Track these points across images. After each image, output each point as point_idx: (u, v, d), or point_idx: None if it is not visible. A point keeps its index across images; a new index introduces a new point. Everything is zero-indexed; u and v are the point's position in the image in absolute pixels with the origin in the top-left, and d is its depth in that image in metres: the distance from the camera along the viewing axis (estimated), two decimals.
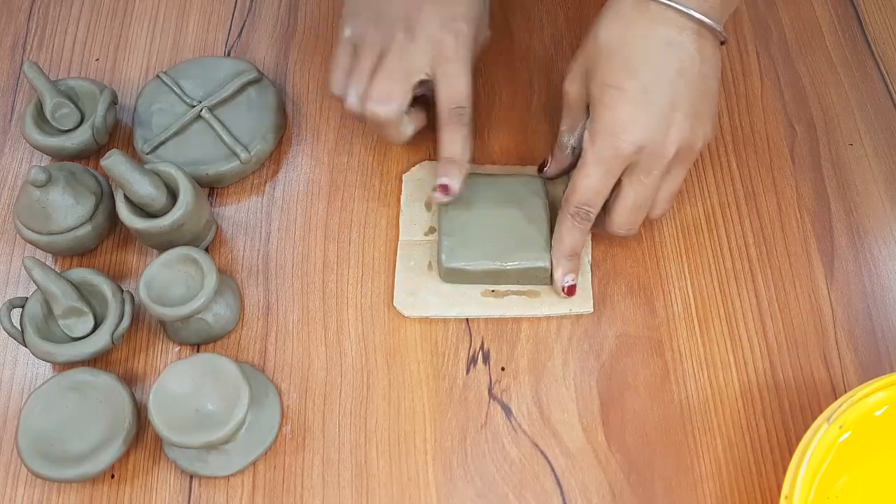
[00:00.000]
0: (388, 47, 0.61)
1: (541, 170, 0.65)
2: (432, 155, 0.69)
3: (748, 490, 0.56)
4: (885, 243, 0.64)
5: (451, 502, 0.56)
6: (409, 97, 0.61)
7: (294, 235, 0.66)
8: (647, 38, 0.56)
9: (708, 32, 0.57)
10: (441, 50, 0.60)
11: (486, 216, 0.63)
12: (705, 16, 0.56)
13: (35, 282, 0.59)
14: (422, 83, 0.61)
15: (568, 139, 0.63)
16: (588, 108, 0.59)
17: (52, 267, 0.62)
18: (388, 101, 0.61)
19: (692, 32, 0.56)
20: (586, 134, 0.58)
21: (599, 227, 0.61)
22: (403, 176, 0.68)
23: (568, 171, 0.63)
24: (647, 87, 0.56)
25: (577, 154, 0.60)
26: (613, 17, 0.58)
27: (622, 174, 0.58)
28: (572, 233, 0.60)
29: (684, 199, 0.66)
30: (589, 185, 0.58)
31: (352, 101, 0.62)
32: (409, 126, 0.63)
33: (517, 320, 0.62)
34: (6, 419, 0.60)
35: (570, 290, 0.61)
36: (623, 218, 0.60)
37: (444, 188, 0.62)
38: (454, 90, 0.61)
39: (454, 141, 0.61)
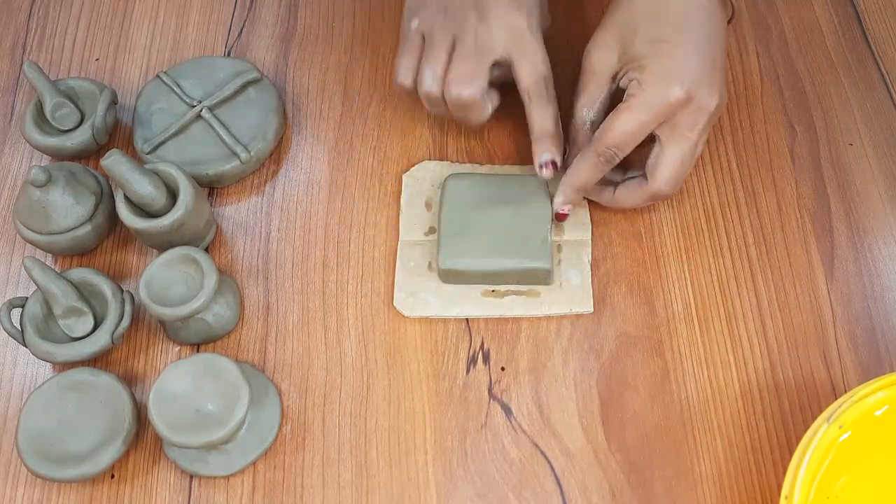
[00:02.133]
0: (462, 31, 0.61)
1: (556, 167, 0.62)
2: (433, 155, 0.69)
3: (748, 490, 0.56)
4: (885, 243, 0.64)
5: (451, 502, 0.56)
6: (488, 76, 0.62)
7: (294, 235, 0.66)
8: (686, 2, 0.59)
9: (725, 6, 0.60)
10: (514, 28, 0.61)
11: (486, 216, 0.63)
12: None
13: (35, 282, 0.59)
14: (496, 64, 0.62)
15: (587, 113, 0.62)
16: (613, 78, 0.61)
17: (52, 267, 0.62)
18: (470, 81, 0.61)
19: (719, 1, 0.60)
20: (633, 83, 0.58)
21: (632, 196, 0.62)
22: (403, 176, 0.68)
23: None
24: (695, 41, 0.58)
25: (593, 130, 0.61)
26: None
27: (661, 132, 0.59)
28: (591, 171, 0.61)
29: (684, 198, 0.66)
30: (627, 129, 0.58)
31: (429, 85, 0.62)
32: (489, 105, 0.63)
33: (517, 320, 0.62)
34: (6, 419, 0.60)
35: (562, 217, 0.63)
36: (672, 171, 0.60)
37: (551, 164, 0.62)
38: (534, 64, 0.61)
39: (544, 116, 0.62)
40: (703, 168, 0.68)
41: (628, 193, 0.62)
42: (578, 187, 0.62)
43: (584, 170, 0.61)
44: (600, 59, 0.61)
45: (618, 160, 0.60)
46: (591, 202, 0.65)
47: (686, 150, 0.60)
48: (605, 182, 0.63)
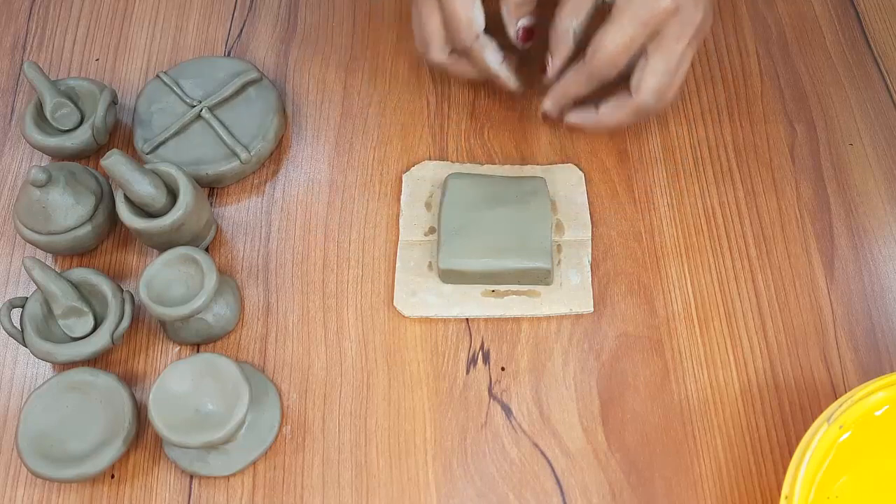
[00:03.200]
0: None
1: (542, 71, 0.63)
2: (432, 155, 0.69)
3: (748, 490, 0.56)
4: (885, 243, 0.64)
5: (451, 502, 0.56)
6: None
7: (294, 235, 0.66)
8: None
9: None
10: None
11: (486, 216, 0.63)
12: None
13: (35, 282, 0.59)
14: None
15: (570, 22, 0.60)
16: None
17: (52, 267, 0.62)
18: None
19: None
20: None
21: (617, 112, 0.62)
22: (403, 176, 0.68)
23: (569, 62, 0.62)
24: None
25: (581, 42, 0.60)
26: None
27: (647, 45, 0.59)
28: (582, 85, 0.61)
29: (684, 198, 0.66)
30: (618, 42, 0.58)
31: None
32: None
33: (517, 320, 0.62)
34: (6, 419, 0.60)
35: (545, 118, 0.65)
36: (658, 82, 0.60)
37: (525, 32, 0.63)
38: None
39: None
40: (703, 168, 0.68)
41: (612, 110, 0.62)
42: (567, 97, 0.63)
43: (574, 83, 0.61)
44: None
45: (611, 76, 0.60)
46: (591, 202, 0.66)
47: (671, 61, 0.59)
48: (588, 103, 0.63)
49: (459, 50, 0.63)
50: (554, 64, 0.62)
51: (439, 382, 0.60)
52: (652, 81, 0.60)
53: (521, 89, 0.65)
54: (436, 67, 0.65)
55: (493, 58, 0.63)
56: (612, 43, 0.58)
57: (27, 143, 0.69)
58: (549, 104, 0.64)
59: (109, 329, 0.60)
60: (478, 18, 0.61)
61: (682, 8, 0.58)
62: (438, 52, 0.63)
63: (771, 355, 0.60)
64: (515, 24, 0.63)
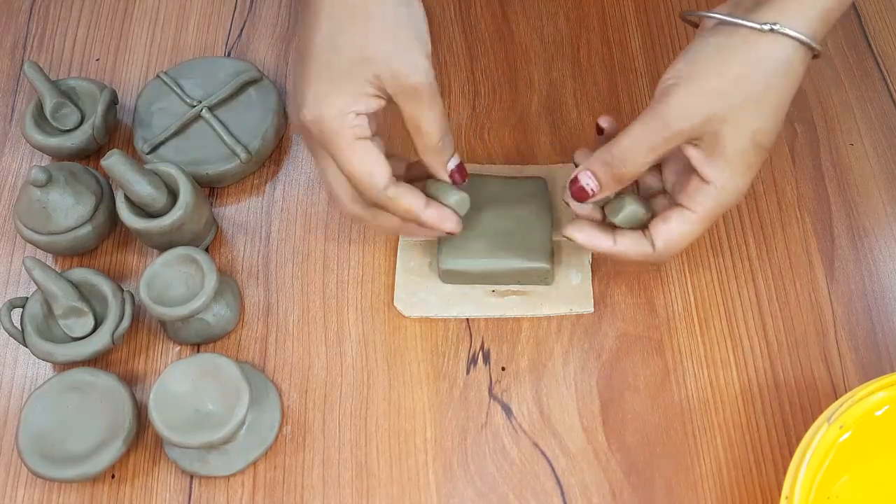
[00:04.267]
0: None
1: (579, 197, 0.56)
2: None
3: (748, 490, 0.56)
4: (885, 243, 0.64)
5: (451, 502, 0.56)
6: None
7: (294, 235, 0.66)
8: (795, 86, 0.52)
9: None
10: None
11: (486, 216, 0.62)
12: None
13: (35, 282, 0.59)
14: None
15: (632, 168, 0.54)
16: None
17: (53, 267, 0.62)
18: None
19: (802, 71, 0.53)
20: (709, 196, 0.53)
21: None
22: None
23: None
24: (770, 149, 0.54)
25: (629, 181, 0.55)
26: (772, 60, 0.51)
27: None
28: (636, 259, 0.57)
29: None
30: (686, 241, 0.55)
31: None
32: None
33: (517, 320, 0.62)
34: (6, 419, 0.60)
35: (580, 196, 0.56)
36: (682, 247, 0.57)
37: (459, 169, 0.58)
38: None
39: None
40: None
41: (629, 247, 0.57)
42: (616, 258, 0.58)
43: (632, 256, 0.56)
44: (681, 122, 0.51)
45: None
46: None
47: (699, 231, 0.56)
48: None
49: (373, 205, 0.56)
50: (599, 196, 0.56)
51: (439, 382, 0.60)
52: (681, 246, 0.56)
53: (460, 229, 0.58)
54: (358, 222, 0.60)
55: (414, 204, 0.56)
56: (686, 244, 0.55)
57: (27, 143, 0.69)
58: (582, 238, 0.57)
59: (109, 329, 0.60)
60: (378, 170, 0.54)
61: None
62: (352, 209, 0.57)
63: (771, 355, 0.60)
64: (445, 169, 0.57)
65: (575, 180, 0.55)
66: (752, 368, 0.60)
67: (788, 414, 0.59)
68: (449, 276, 0.62)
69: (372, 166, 0.54)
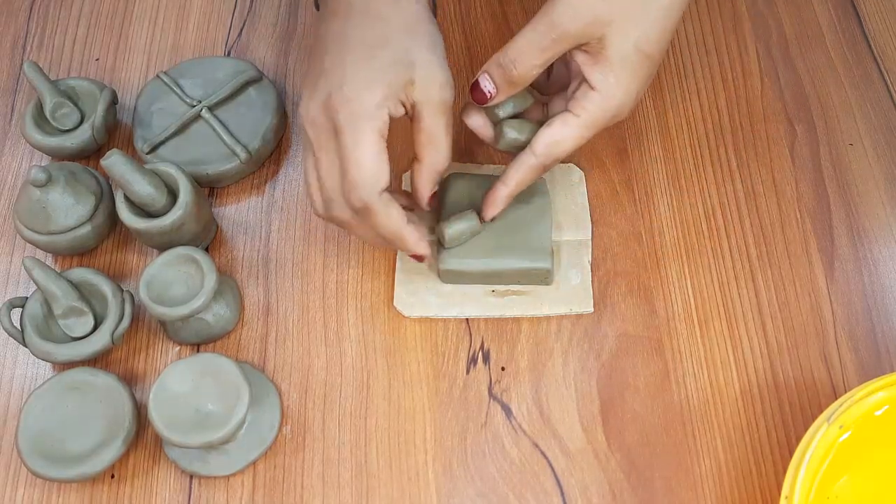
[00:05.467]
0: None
1: (478, 100, 0.57)
2: None
3: (748, 490, 0.56)
4: (885, 243, 0.64)
5: (451, 502, 0.56)
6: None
7: (294, 235, 0.66)
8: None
9: None
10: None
11: None
12: None
13: (35, 282, 0.59)
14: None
15: (523, 71, 0.55)
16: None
17: (52, 267, 0.62)
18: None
19: None
20: (593, 101, 0.55)
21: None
22: (403, 176, 0.68)
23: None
24: (664, 54, 0.56)
25: (522, 87, 0.56)
26: None
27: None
28: (530, 177, 0.58)
29: (684, 198, 0.66)
30: (571, 145, 0.56)
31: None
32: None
33: (517, 320, 0.62)
34: (6, 419, 0.60)
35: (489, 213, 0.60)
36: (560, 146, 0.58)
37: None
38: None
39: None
40: (703, 168, 0.68)
41: (516, 173, 0.58)
42: (515, 192, 0.59)
43: (524, 175, 0.58)
44: (569, 25, 0.53)
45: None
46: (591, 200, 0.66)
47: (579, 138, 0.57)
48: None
49: (358, 209, 0.54)
50: (497, 98, 0.57)
51: (439, 382, 0.60)
52: (561, 150, 0.57)
53: (430, 259, 0.59)
54: (340, 226, 0.57)
55: (397, 217, 0.55)
56: (570, 149, 0.56)
57: (27, 142, 0.69)
58: (495, 210, 0.59)
59: (109, 329, 0.60)
60: (382, 172, 0.54)
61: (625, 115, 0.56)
62: (340, 209, 0.55)
63: (771, 355, 0.60)
64: (429, 191, 0.58)
65: (475, 84, 0.57)
66: (751, 369, 0.60)
67: (788, 414, 0.59)
68: (449, 276, 0.62)
69: (381, 165, 0.54)
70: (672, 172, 0.67)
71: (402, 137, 0.70)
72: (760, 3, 0.75)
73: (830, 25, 0.74)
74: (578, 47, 0.54)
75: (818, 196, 0.66)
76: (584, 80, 0.55)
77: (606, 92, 0.55)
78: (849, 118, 0.70)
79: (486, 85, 0.56)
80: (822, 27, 0.74)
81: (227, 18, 0.77)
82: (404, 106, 0.55)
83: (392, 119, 0.54)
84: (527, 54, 0.54)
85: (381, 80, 0.53)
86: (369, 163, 0.53)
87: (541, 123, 0.58)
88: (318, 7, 0.61)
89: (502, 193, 0.59)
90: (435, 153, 0.56)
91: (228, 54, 0.75)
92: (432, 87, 0.54)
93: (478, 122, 0.59)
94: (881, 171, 0.67)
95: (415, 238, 0.57)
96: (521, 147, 0.58)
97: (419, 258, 0.59)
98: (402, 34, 0.55)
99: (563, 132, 0.56)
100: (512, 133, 0.58)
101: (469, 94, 0.57)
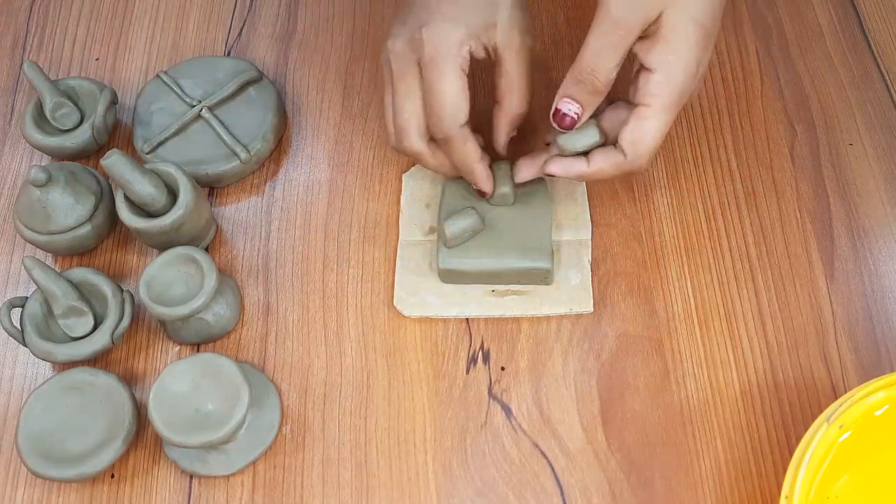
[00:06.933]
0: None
1: (563, 125, 0.57)
2: None
3: (748, 490, 0.56)
4: (885, 243, 0.64)
5: (451, 502, 0.56)
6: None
7: (294, 235, 0.66)
8: None
9: None
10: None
11: (486, 216, 0.62)
12: None
13: (35, 281, 0.59)
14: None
15: (610, 64, 0.54)
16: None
17: (52, 267, 0.62)
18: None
19: None
20: (657, 84, 0.54)
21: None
22: (403, 176, 0.68)
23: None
24: (718, 26, 0.55)
25: (605, 92, 0.56)
26: None
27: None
28: (611, 175, 0.58)
29: (684, 198, 0.66)
30: (665, 134, 0.55)
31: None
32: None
33: (517, 320, 0.62)
34: (6, 419, 0.60)
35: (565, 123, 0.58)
36: (655, 148, 0.57)
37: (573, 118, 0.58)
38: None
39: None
40: (703, 168, 0.68)
41: (603, 164, 0.57)
42: (584, 177, 0.58)
43: (608, 174, 0.57)
44: (627, 15, 0.53)
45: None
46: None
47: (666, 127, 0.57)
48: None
49: (439, 139, 0.58)
50: (584, 115, 0.57)
51: (439, 382, 0.60)
52: (650, 144, 0.56)
53: (490, 195, 0.62)
54: (411, 156, 0.61)
55: (473, 152, 0.59)
56: (656, 139, 0.55)
57: (27, 142, 0.69)
58: (558, 169, 0.59)
59: (109, 329, 0.60)
60: (463, 106, 0.57)
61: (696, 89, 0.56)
62: (416, 141, 0.59)
63: (771, 355, 0.60)
64: (507, 136, 0.61)
65: (556, 112, 0.57)
66: (751, 369, 0.60)
67: (788, 414, 0.59)
68: (449, 276, 0.62)
69: (463, 100, 0.57)
70: (672, 172, 0.67)
71: None
72: (760, 3, 0.75)
73: (830, 25, 0.74)
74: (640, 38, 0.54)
75: (818, 196, 0.66)
76: (642, 67, 0.55)
77: (669, 69, 0.54)
78: (849, 118, 0.70)
79: (570, 107, 0.56)
80: (822, 27, 0.74)
81: (227, 18, 0.77)
82: (486, 50, 0.57)
83: (474, 60, 0.56)
84: (603, 59, 0.54)
85: (465, 19, 0.56)
86: (452, 97, 0.56)
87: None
88: None
89: (580, 170, 0.58)
90: (516, 98, 0.59)
91: (228, 54, 0.75)
92: (514, 31, 0.56)
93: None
94: (881, 171, 0.67)
95: (486, 174, 0.60)
96: (596, 146, 0.58)
97: (483, 194, 0.62)
98: None
99: (642, 125, 0.55)
100: (589, 132, 0.57)
101: (554, 123, 0.57)
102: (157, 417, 0.54)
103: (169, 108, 0.69)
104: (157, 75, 0.71)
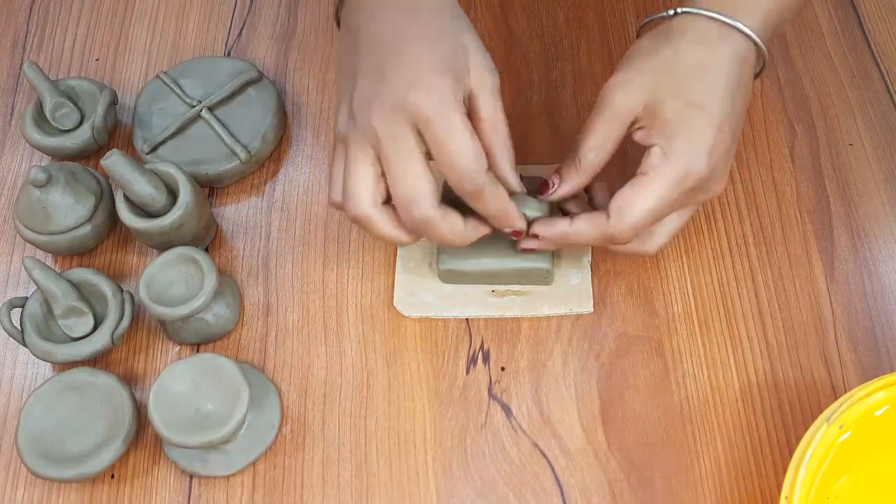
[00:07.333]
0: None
1: (541, 192, 0.58)
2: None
3: (748, 490, 0.56)
4: (885, 243, 0.64)
5: (451, 502, 0.56)
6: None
7: (294, 235, 0.66)
8: (730, 66, 0.54)
9: (757, 57, 0.56)
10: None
11: None
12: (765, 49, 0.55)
13: (35, 282, 0.59)
14: None
15: (594, 157, 0.55)
16: (631, 125, 0.55)
17: (52, 267, 0.62)
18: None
19: (751, 65, 0.55)
20: (656, 151, 0.53)
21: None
22: None
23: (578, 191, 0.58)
24: (729, 110, 0.54)
25: (593, 174, 0.56)
26: (694, 37, 0.54)
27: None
28: (591, 242, 0.56)
29: None
30: (657, 209, 0.54)
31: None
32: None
33: (517, 320, 0.62)
34: (6, 419, 0.60)
35: (525, 249, 0.59)
36: (663, 242, 0.58)
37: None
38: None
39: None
40: None
41: (586, 228, 0.56)
42: (565, 244, 0.58)
43: (586, 239, 0.56)
44: (625, 102, 0.54)
45: (630, 241, 0.56)
46: None
47: (682, 224, 0.58)
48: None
49: (468, 192, 0.53)
50: (560, 190, 0.57)
51: (439, 382, 0.60)
52: (660, 240, 0.58)
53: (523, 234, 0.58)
54: (414, 226, 0.54)
55: (505, 193, 0.54)
56: (650, 210, 0.54)
57: (27, 143, 0.69)
58: (537, 244, 0.58)
59: (109, 329, 0.60)
60: (482, 151, 0.52)
61: (716, 175, 0.54)
62: (432, 206, 0.53)
63: (771, 355, 0.60)
64: (516, 175, 0.56)
65: (545, 183, 0.58)
66: (751, 369, 0.60)
67: (788, 414, 0.59)
68: (449, 276, 0.62)
69: (479, 147, 0.52)
70: None
71: None
72: None
73: (830, 25, 0.74)
74: (637, 127, 0.55)
75: (818, 196, 0.66)
76: (646, 147, 0.55)
77: (668, 146, 0.53)
78: (849, 118, 0.70)
79: (554, 179, 0.57)
80: (822, 27, 0.74)
81: (227, 19, 0.77)
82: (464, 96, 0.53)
83: None
84: (602, 146, 0.55)
85: (447, 69, 0.52)
86: (471, 146, 0.51)
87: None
88: (339, 23, 0.59)
89: (562, 230, 0.57)
90: (502, 138, 0.55)
91: (228, 54, 0.75)
92: (485, 73, 0.53)
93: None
94: (881, 171, 0.67)
95: (518, 213, 0.56)
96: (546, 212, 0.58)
97: (518, 233, 0.57)
98: (449, 21, 0.54)
99: (633, 192, 0.54)
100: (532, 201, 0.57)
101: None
102: (157, 417, 0.54)
103: (169, 108, 0.69)
104: (157, 76, 0.71)
